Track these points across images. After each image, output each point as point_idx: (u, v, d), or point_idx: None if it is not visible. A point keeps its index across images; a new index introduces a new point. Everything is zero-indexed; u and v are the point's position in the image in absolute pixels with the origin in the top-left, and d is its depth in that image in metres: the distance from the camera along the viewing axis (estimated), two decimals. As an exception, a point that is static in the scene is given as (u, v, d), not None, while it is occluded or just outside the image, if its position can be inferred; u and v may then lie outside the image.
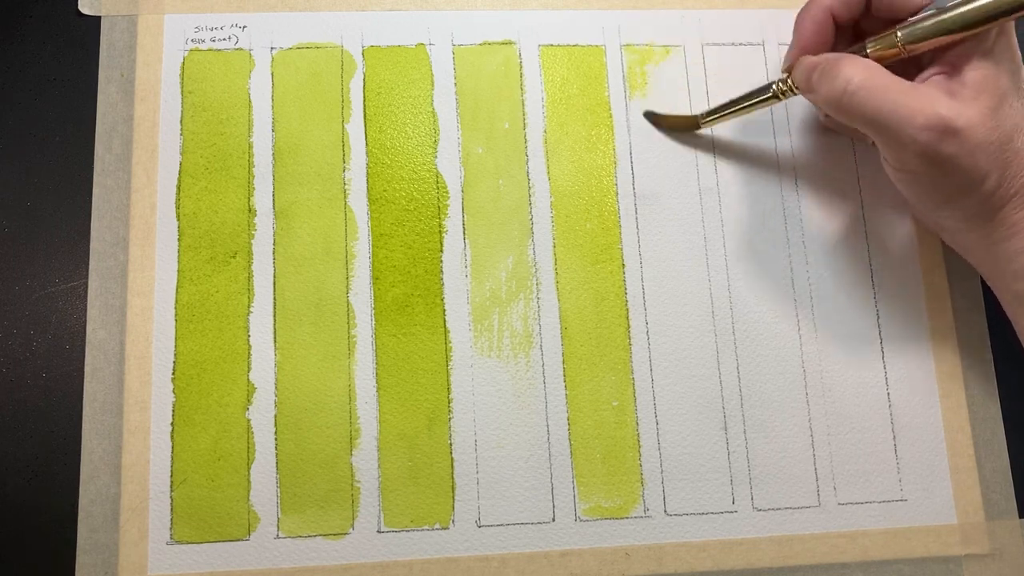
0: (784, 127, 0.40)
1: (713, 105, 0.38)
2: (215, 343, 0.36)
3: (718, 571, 0.35)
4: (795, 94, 0.35)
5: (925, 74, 0.32)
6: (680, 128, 0.39)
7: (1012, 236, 0.32)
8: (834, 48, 0.35)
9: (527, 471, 0.36)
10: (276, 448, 0.35)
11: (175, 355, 0.36)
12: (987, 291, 0.38)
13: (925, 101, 0.30)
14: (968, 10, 0.30)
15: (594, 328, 0.37)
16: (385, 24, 0.40)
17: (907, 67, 0.33)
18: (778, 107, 0.40)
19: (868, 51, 0.33)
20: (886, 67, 0.32)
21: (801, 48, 0.35)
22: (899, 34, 0.32)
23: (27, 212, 0.37)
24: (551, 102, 0.39)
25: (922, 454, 0.37)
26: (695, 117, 0.38)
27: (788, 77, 0.35)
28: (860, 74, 0.31)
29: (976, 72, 0.31)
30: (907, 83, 0.31)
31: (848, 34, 0.36)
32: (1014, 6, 0.30)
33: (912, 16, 0.32)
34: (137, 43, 0.38)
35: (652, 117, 0.39)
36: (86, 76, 0.38)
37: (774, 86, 0.35)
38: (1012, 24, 0.31)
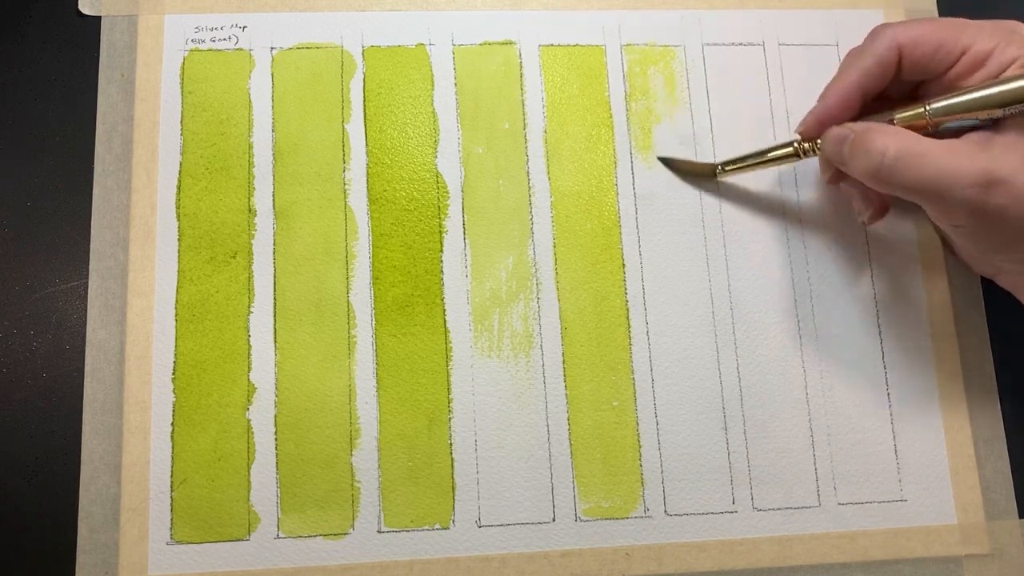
0: (785, 127, 0.39)
1: (732, 156, 0.37)
2: (215, 343, 0.36)
3: (718, 571, 0.35)
4: (816, 155, 0.35)
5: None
6: (696, 174, 0.38)
7: None
8: (858, 116, 0.34)
9: (527, 471, 0.35)
10: (276, 448, 0.35)
11: (175, 355, 0.36)
12: (987, 291, 0.38)
13: (964, 158, 0.29)
14: (1006, 90, 0.30)
15: (594, 328, 0.37)
16: (385, 24, 0.40)
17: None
18: (780, 106, 0.40)
19: (895, 122, 0.32)
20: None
21: (820, 120, 0.34)
22: (929, 109, 0.31)
23: (27, 212, 0.37)
24: (551, 102, 0.39)
25: (922, 454, 0.37)
26: (713, 166, 0.38)
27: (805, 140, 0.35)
28: (894, 144, 0.30)
29: (1007, 132, 0.30)
30: (940, 143, 0.30)
31: (871, 103, 0.35)
32: None
33: (943, 78, 0.32)
34: (137, 43, 0.38)
35: (668, 162, 0.39)
36: (86, 76, 0.38)
37: (795, 145, 0.35)
38: None
